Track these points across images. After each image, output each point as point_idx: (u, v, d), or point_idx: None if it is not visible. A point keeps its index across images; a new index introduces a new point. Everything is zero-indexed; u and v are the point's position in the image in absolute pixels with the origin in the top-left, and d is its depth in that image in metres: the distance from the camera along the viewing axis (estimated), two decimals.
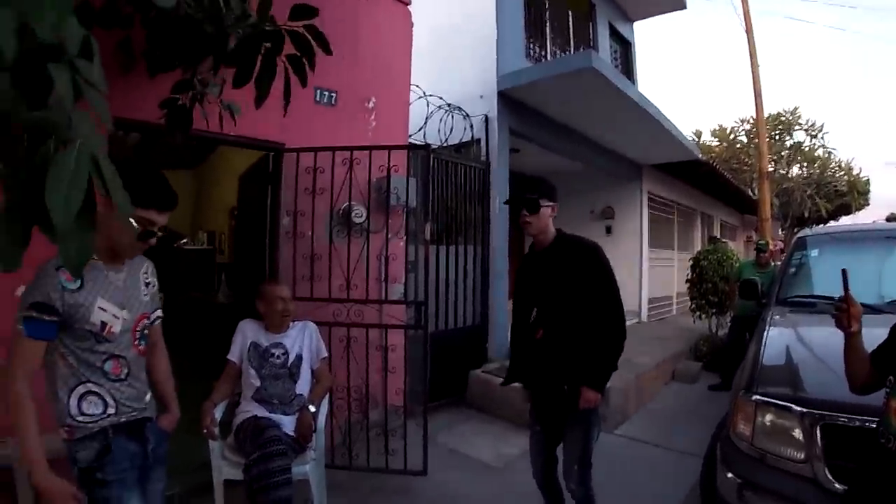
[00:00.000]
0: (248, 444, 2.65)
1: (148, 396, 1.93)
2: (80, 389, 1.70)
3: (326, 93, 4.09)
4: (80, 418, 1.70)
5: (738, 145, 24.81)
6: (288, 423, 2.86)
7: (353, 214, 3.88)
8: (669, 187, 11.03)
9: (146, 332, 1.93)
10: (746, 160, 23.42)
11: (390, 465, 3.57)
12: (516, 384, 2.80)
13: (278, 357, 3.01)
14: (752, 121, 22.08)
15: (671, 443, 4.22)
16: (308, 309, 3.55)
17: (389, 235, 3.73)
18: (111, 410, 1.75)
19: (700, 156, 9.65)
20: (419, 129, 5.07)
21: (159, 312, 2.07)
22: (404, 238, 4.02)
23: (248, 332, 3.07)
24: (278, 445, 2.58)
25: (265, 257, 3.95)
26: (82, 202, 0.87)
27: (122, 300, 1.78)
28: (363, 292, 3.67)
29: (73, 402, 1.69)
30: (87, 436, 1.71)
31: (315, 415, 2.94)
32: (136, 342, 1.86)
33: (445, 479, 3.64)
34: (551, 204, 2.53)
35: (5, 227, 0.88)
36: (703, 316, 7.98)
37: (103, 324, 1.71)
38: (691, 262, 8.28)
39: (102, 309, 1.70)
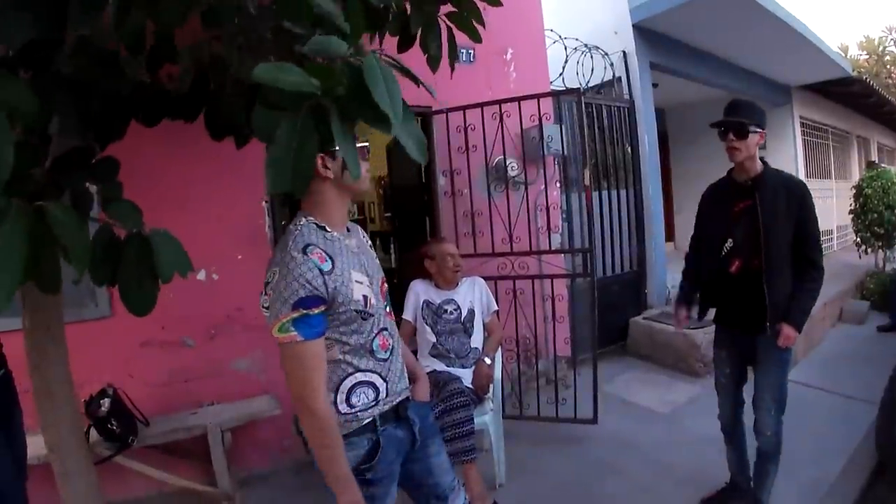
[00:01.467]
0: (431, 398, 2.78)
1: (406, 375, 1.69)
2: (349, 382, 1.48)
3: (464, 50, 4.05)
4: (348, 411, 1.48)
5: (889, 57, 21.76)
6: (466, 376, 2.96)
7: (508, 167, 3.88)
8: (822, 110, 9.92)
9: (388, 296, 1.69)
10: None
11: (560, 413, 3.61)
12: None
13: (451, 313, 3.12)
14: None
15: (841, 388, 3.91)
16: (473, 265, 3.63)
17: (546, 185, 3.68)
18: (382, 396, 1.53)
19: (850, 70, 8.59)
20: (559, 75, 4.90)
21: None
22: (560, 187, 3.95)
23: (419, 291, 3.19)
24: (461, 397, 2.68)
25: (425, 219, 4.07)
26: None
27: (364, 266, 1.54)
28: (525, 245, 3.69)
29: (341, 397, 1.48)
30: (356, 430, 1.49)
31: (491, 366, 3.02)
32: (387, 308, 1.64)
33: (615, 426, 3.64)
34: (760, 131, 2.35)
35: (346, 144, 1.03)
36: (869, 249, 7.30)
37: (365, 298, 1.47)
38: (853, 191, 7.50)
39: (359, 282, 1.47)
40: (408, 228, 4.67)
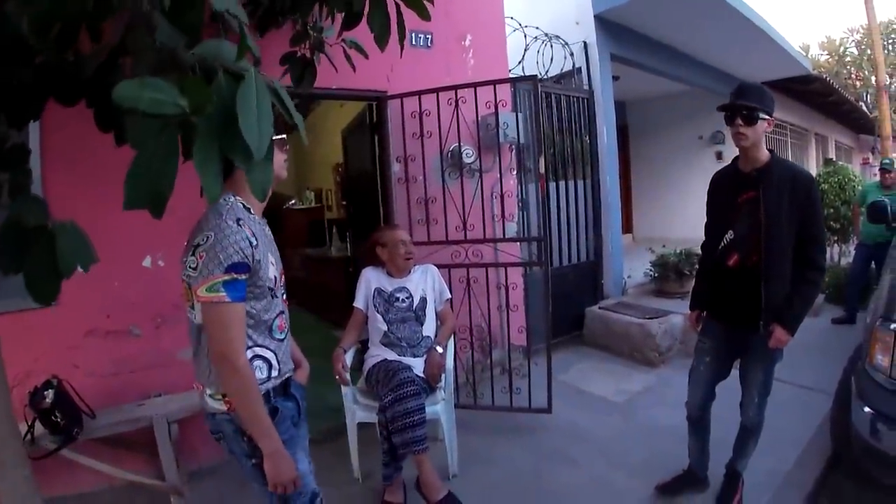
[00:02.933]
0: (381, 387, 2.71)
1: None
2: (248, 354, 1.54)
3: (422, 35, 4.01)
4: None
5: (849, 58, 22.43)
6: (417, 365, 2.91)
7: (463, 154, 3.83)
8: (781, 107, 9.99)
9: (284, 288, 1.81)
10: (858, 74, 21.17)
11: (515, 403, 3.60)
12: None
13: (403, 301, 3.07)
14: (862, 30, 19.87)
15: (796, 379, 3.97)
16: (426, 252, 3.59)
17: (501, 173, 3.65)
18: (274, 373, 1.63)
19: (811, 69, 8.80)
20: (518, 63, 4.88)
21: None
22: (515, 175, 3.92)
23: (371, 279, 3.13)
24: (412, 386, 2.63)
25: (378, 206, 4.00)
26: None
27: (275, 252, 1.68)
28: (479, 232, 3.65)
29: None
30: None
31: (443, 355, 2.98)
32: (284, 295, 1.75)
33: (570, 416, 3.64)
34: (769, 118, 2.23)
35: (204, 160, 0.90)
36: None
37: (275, 278, 1.61)
38: None
39: (272, 262, 1.60)
40: (362, 216, 4.60)
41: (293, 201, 8.33)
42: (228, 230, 1.44)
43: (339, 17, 2.18)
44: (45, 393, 2.41)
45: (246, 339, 1.53)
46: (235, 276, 1.43)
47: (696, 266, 2.74)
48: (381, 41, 2.00)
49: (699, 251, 2.76)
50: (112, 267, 2.89)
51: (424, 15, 1.94)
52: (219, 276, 1.41)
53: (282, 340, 1.68)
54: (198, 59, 1.00)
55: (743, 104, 2.20)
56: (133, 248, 2.98)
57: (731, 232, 2.37)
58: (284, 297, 1.75)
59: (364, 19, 2.07)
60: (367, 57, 2.43)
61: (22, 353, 2.68)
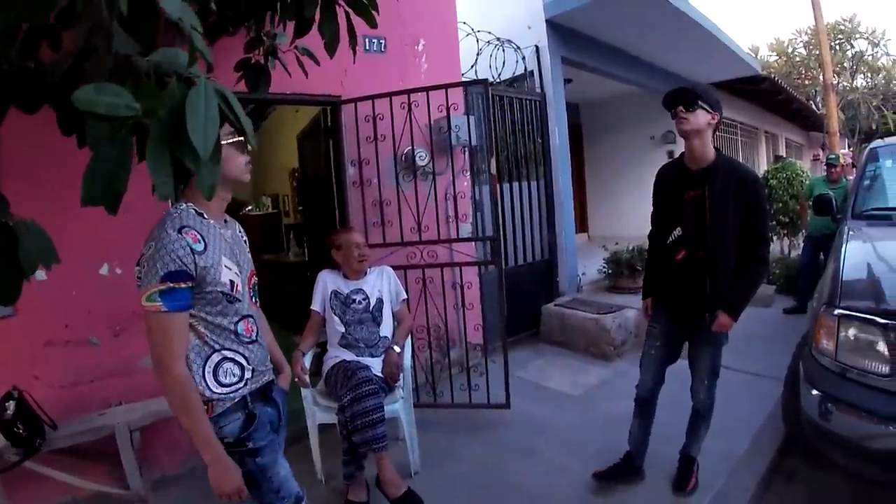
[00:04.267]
0: (340, 387, 2.74)
1: (269, 357, 1.81)
2: (215, 358, 1.57)
3: (375, 40, 4.04)
4: (220, 390, 1.57)
5: (798, 58, 23.34)
6: (376, 365, 2.95)
7: (416, 157, 3.89)
8: (730, 107, 10.53)
9: (256, 288, 1.81)
10: (807, 74, 22.04)
11: (474, 400, 3.66)
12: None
13: (360, 302, 3.10)
14: (809, 31, 20.70)
15: (748, 367, 4.14)
16: (382, 254, 3.63)
17: (454, 174, 3.71)
18: (248, 375, 1.63)
19: (760, 69, 9.14)
20: (471, 67, 4.96)
21: None
22: (469, 176, 3.99)
23: (328, 282, 3.15)
24: (370, 385, 2.66)
25: (334, 210, 4.02)
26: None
27: (236, 256, 1.66)
28: (434, 234, 3.70)
29: (209, 374, 1.56)
30: (230, 408, 1.59)
31: (400, 354, 3.02)
32: (253, 299, 1.74)
33: (528, 410, 3.72)
34: (711, 112, 2.33)
35: (155, 160, 0.95)
36: (774, 237, 7.66)
37: (231, 282, 1.58)
38: None
39: (227, 267, 1.58)
40: (318, 220, 4.61)
41: (249, 207, 8.24)
42: (167, 239, 1.44)
43: (292, 24, 2.23)
44: (6, 405, 2.42)
45: (204, 344, 1.55)
46: (172, 284, 1.42)
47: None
48: (331, 48, 2.05)
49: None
50: (70, 276, 2.85)
51: (372, 23, 2.01)
52: (155, 285, 1.41)
53: (251, 344, 1.67)
54: (153, 65, 1.04)
55: (682, 88, 2.35)
56: (90, 257, 2.96)
57: (679, 229, 2.47)
58: (255, 300, 1.76)
59: (315, 26, 2.12)
60: (318, 63, 2.47)
61: None
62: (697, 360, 2.59)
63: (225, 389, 1.58)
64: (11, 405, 2.41)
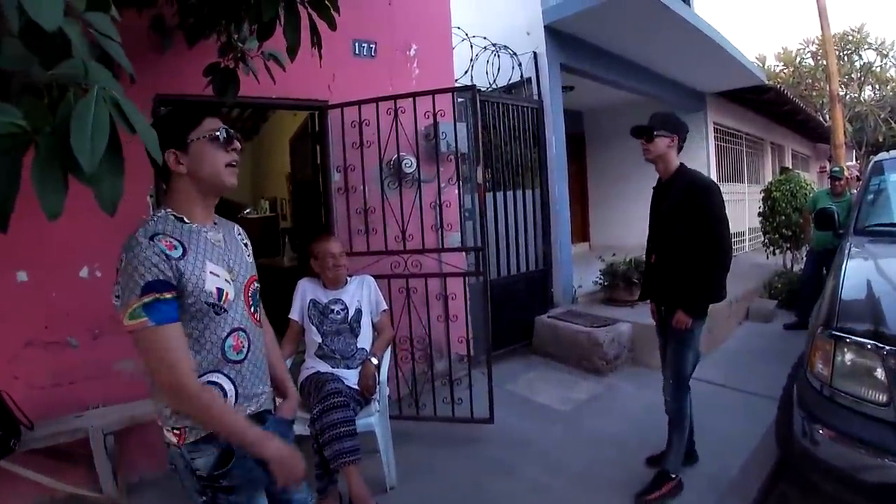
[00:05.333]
0: (312, 399, 2.70)
1: (268, 381, 1.63)
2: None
3: (365, 44, 3.99)
4: None
5: (805, 69, 23.11)
6: (351, 377, 2.89)
7: (403, 165, 3.82)
8: (736, 117, 10.40)
9: (258, 297, 1.64)
10: (815, 84, 21.82)
11: (457, 413, 3.58)
12: None
13: (338, 313, 3.04)
14: (817, 41, 20.52)
15: (745, 385, 4.04)
16: (366, 263, 3.56)
17: (442, 183, 3.64)
18: (231, 400, 1.45)
19: (765, 79, 9.00)
20: (465, 73, 4.89)
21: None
22: (457, 185, 3.92)
23: (307, 291, 3.11)
24: (338, 398, 2.61)
25: (321, 216, 3.96)
26: (108, 144, 0.89)
27: (228, 261, 1.50)
28: (419, 243, 3.63)
29: None
30: (203, 438, 1.42)
31: (377, 367, 2.96)
32: (252, 310, 1.57)
33: (513, 425, 3.64)
34: (669, 136, 2.72)
35: (43, 177, 0.89)
36: (777, 251, 7.59)
37: (219, 290, 1.42)
38: (762, 194, 7.79)
39: (214, 274, 1.43)
40: (306, 225, 4.55)
41: (248, 210, 8.21)
42: (138, 248, 1.30)
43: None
44: None
45: (189, 360, 1.36)
46: (157, 295, 1.29)
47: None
48: (292, 52, 1.99)
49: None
50: (50, 277, 2.92)
51: (332, 24, 1.95)
52: (135, 300, 1.27)
53: (241, 361, 1.49)
54: (54, 78, 0.99)
55: (641, 126, 2.75)
56: (70, 259, 2.98)
57: (651, 234, 2.91)
58: (254, 310, 1.59)
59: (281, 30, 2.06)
60: (284, 69, 2.43)
61: None
62: (667, 359, 2.83)
63: None
64: None
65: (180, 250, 1.37)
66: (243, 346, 1.50)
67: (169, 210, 1.45)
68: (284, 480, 1.42)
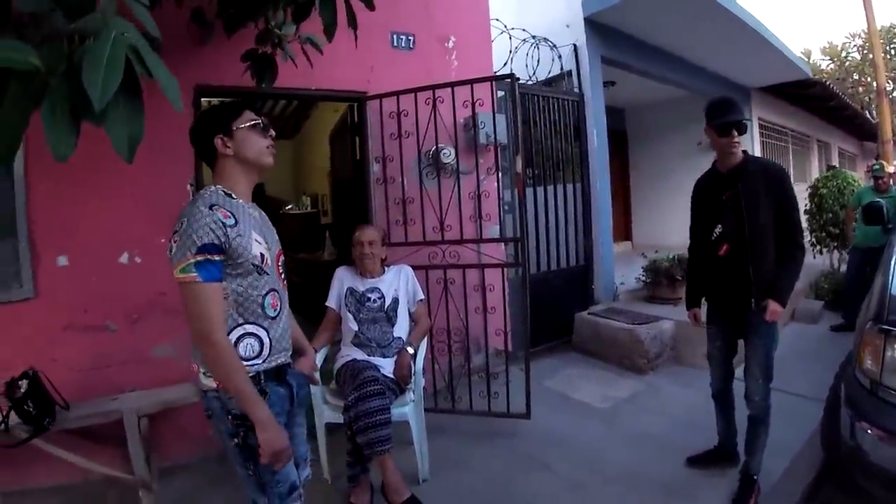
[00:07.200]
0: (347, 386, 2.69)
1: (289, 336, 1.83)
2: (237, 332, 1.62)
3: (403, 36, 4.00)
4: None
5: (851, 63, 22.23)
6: (387, 366, 2.88)
7: (441, 155, 3.80)
8: (781, 113, 10.08)
9: (284, 267, 1.87)
10: (861, 79, 20.95)
11: (493, 408, 3.53)
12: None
13: (375, 301, 3.03)
14: (863, 34, 19.70)
15: (791, 386, 3.87)
16: (405, 253, 3.56)
17: (481, 174, 3.60)
18: (266, 353, 1.67)
19: (810, 73, 8.68)
20: (504, 66, 4.82)
21: None
22: (496, 176, 3.87)
23: (344, 279, 3.12)
24: (375, 385, 2.59)
25: (361, 207, 3.98)
26: (122, 82, 0.88)
27: (264, 234, 1.72)
28: (457, 234, 3.60)
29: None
30: None
31: (413, 356, 2.94)
32: (282, 276, 1.81)
33: (550, 422, 3.57)
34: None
35: (54, 117, 0.89)
36: (824, 250, 7.30)
37: (262, 255, 1.65)
38: (808, 191, 7.51)
39: (258, 241, 1.65)
40: (346, 218, 4.57)
41: (290, 206, 8.33)
42: (199, 214, 1.51)
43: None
44: (20, 383, 2.49)
45: (228, 317, 1.59)
46: (208, 256, 1.49)
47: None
48: (329, 32, 1.99)
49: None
50: (91, 262, 2.99)
51: (370, 5, 1.93)
52: (190, 257, 1.48)
53: (275, 318, 1.71)
54: (76, 30, 0.99)
55: (738, 119, 2.54)
56: (111, 245, 3.04)
57: (719, 226, 2.66)
58: (283, 276, 1.82)
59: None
60: (321, 52, 2.42)
61: (2, 346, 2.79)
62: (750, 359, 2.64)
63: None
64: (24, 384, 2.47)
65: (233, 220, 1.58)
66: (277, 305, 1.72)
67: (219, 186, 1.67)
68: (266, 448, 1.54)
